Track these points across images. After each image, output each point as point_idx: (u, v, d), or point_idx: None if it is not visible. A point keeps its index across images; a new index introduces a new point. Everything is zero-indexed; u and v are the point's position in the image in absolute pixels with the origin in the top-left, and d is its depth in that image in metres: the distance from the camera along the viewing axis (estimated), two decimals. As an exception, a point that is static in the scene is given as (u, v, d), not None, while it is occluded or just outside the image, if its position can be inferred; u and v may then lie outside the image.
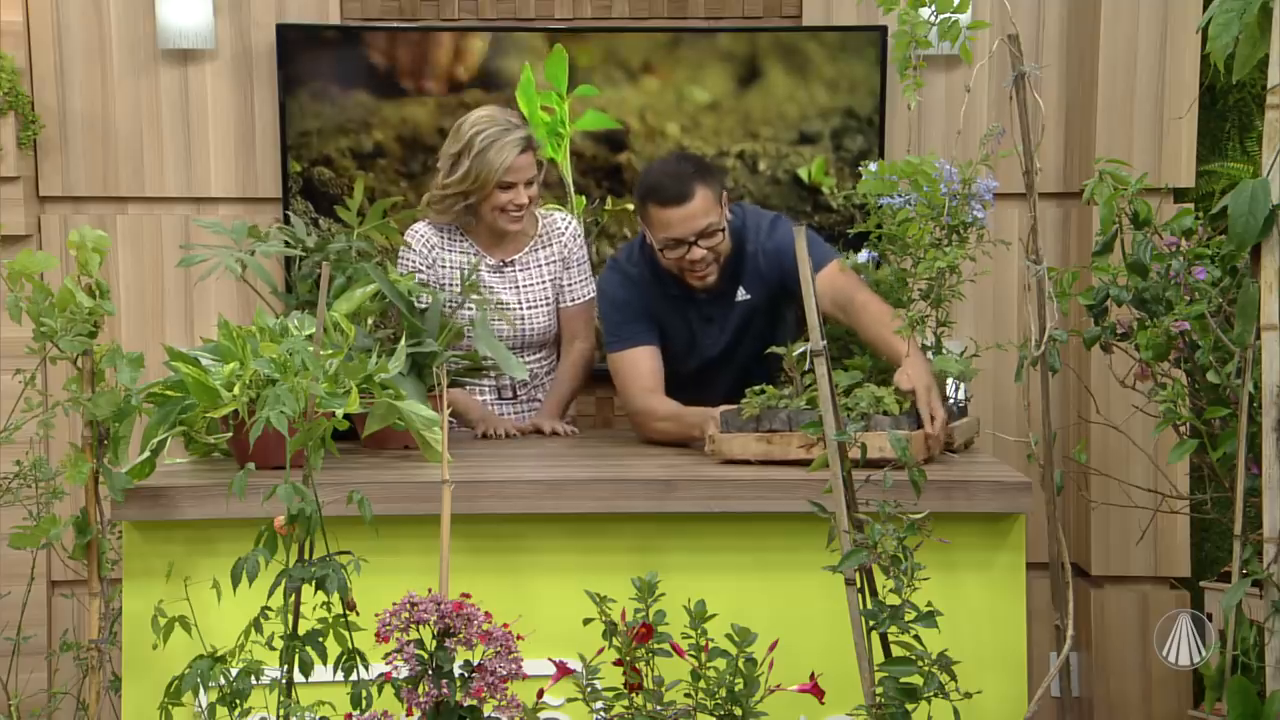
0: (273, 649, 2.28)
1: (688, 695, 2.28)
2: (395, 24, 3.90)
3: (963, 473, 2.65)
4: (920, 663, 2.10)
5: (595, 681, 2.28)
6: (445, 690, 2.11)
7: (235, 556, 2.23)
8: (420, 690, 2.11)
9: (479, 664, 2.14)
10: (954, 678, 2.11)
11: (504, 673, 2.13)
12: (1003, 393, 3.66)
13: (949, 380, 2.90)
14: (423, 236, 3.35)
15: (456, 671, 2.13)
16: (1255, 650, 2.35)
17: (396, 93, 3.84)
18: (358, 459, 2.85)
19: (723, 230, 3.08)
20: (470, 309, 3.22)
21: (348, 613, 2.26)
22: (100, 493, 2.69)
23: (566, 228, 3.44)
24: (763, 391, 2.76)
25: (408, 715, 2.14)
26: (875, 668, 2.15)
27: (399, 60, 3.83)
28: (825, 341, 2.11)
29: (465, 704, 2.13)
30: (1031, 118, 2.56)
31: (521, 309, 3.37)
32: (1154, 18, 3.60)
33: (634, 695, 2.27)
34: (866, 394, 2.67)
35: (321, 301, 2.34)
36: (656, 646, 2.26)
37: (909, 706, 2.10)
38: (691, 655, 2.29)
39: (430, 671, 2.12)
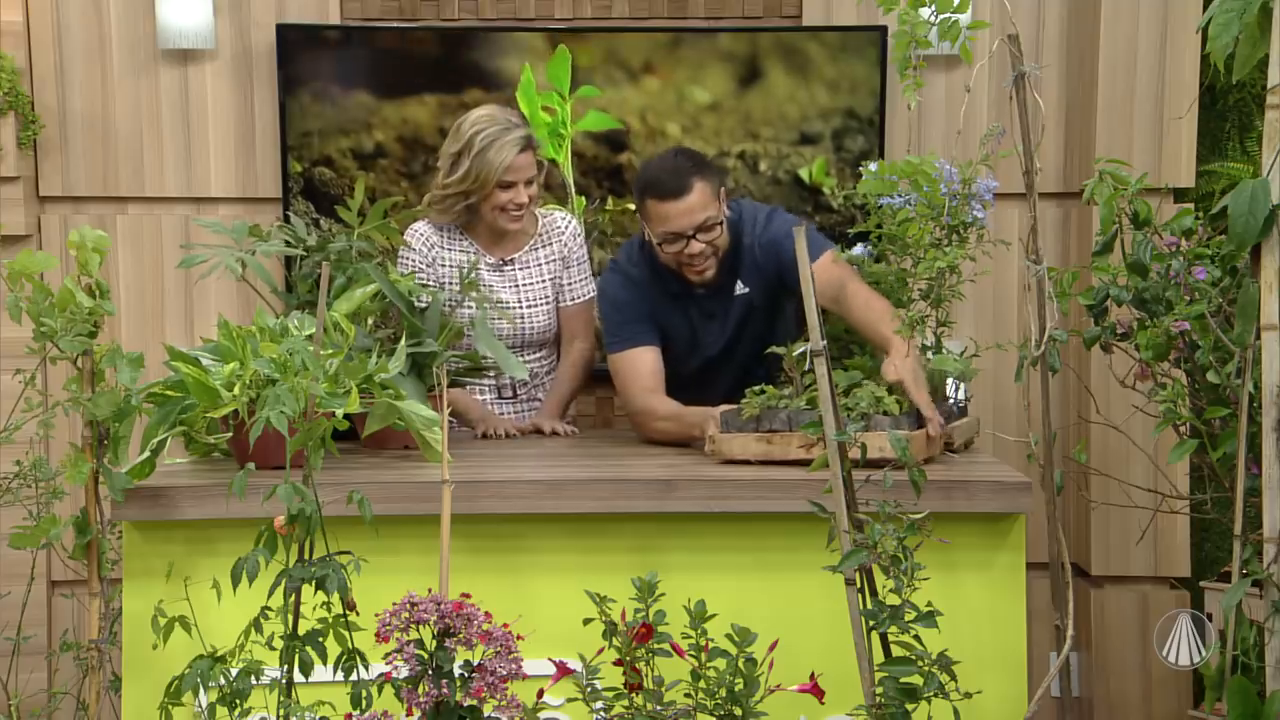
0: (273, 649, 2.28)
1: (688, 695, 2.28)
2: (395, 24, 3.90)
3: (963, 473, 2.65)
4: (920, 663, 2.10)
5: (595, 681, 2.28)
6: (445, 690, 2.11)
7: (235, 556, 2.23)
8: (420, 690, 2.11)
9: (479, 664, 2.14)
10: (954, 678, 2.11)
11: (504, 673, 2.13)
12: (1003, 393, 3.66)
13: (949, 380, 2.90)
14: (422, 235, 3.35)
15: (456, 671, 2.13)
16: (1255, 650, 2.35)
17: (397, 93, 3.84)
18: (358, 459, 2.85)
19: (721, 224, 3.09)
20: (470, 307, 3.22)
21: (348, 613, 2.26)
22: (100, 493, 2.69)
23: (566, 227, 3.45)
24: (763, 392, 2.76)
25: (408, 715, 2.14)
26: (875, 668, 2.15)
27: (399, 60, 3.83)
28: (825, 341, 2.11)
29: (465, 704, 2.13)
30: (1031, 118, 2.56)
31: (521, 308, 3.37)
32: (1154, 18, 3.60)
33: (634, 695, 2.27)
34: (866, 394, 2.67)
35: (321, 301, 2.34)
36: (656, 646, 2.26)
37: (909, 706, 2.10)
38: (691, 655, 2.29)
39: (430, 671, 2.12)
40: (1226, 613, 2.34)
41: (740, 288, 3.18)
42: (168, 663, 2.44)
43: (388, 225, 3.35)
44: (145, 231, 3.88)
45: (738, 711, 2.26)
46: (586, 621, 2.29)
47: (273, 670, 2.30)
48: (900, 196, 2.89)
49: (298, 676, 2.27)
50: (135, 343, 3.73)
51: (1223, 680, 2.37)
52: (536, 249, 3.41)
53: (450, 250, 3.35)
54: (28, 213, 3.82)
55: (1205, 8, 2.91)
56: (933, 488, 2.28)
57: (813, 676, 2.36)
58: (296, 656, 2.25)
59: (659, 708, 2.25)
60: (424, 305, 3.10)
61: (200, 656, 2.30)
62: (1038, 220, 2.58)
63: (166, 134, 3.86)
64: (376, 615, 2.13)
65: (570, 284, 3.43)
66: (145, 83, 3.85)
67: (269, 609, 2.28)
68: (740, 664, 2.26)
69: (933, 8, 2.75)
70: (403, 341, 2.88)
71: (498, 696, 2.13)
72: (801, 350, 2.16)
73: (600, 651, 2.29)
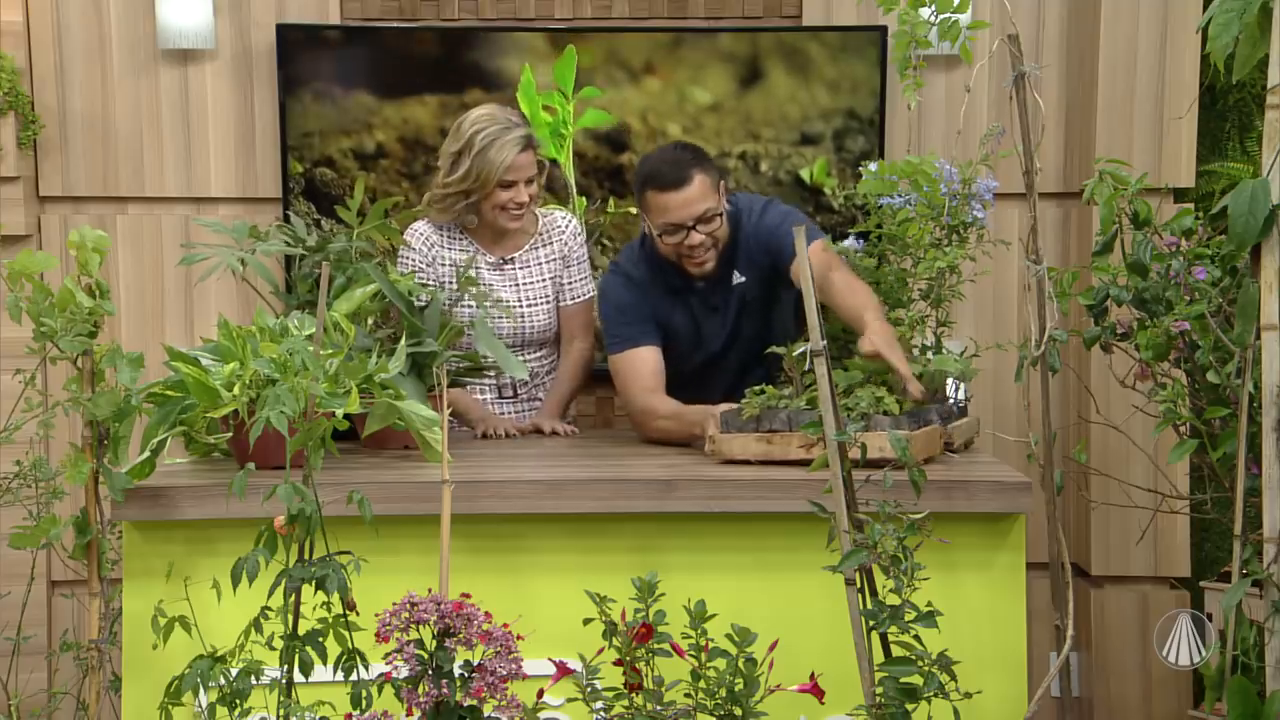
0: (273, 649, 2.28)
1: (688, 695, 2.28)
2: (395, 24, 3.90)
3: (963, 473, 2.65)
4: (920, 663, 2.10)
5: (595, 681, 2.28)
6: (445, 690, 2.11)
7: (235, 556, 2.23)
8: (420, 690, 2.11)
9: (479, 664, 2.14)
10: (954, 678, 2.11)
11: (504, 673, 2.13)
12: (1003, 393, 3.66)
13: (949, 380, 2.90)
14: (422, 235, 3.35)
15: (456, 671, 2.13)
16: (1255, 650, 2.35)
17: (397, 93, 3.84)
18: (358, 459, 2.85)
19: (720, 216, 3.10)
20: (470, 306, 3.22)
21: (348, 613, 2.26)
22: (100, 493, 2.69)
23: (566, 226, 3.45)
24: (763, 391, 2.76)
25: (408, 715, 2.14)
26: (875, 668, 2.15)
27: (400, 60, 3.84)
28: (825, 341, 2.11)
29: (465, 704, 2.13)
30: (1031, 118, 2.56)
31: (521, 307, 3.37)
32: (1154, 18, 3.60)
33: (634, 695, 2.27)
34: (866, 394, 2.67)
35: (321, 301, 2.34)
36: (656, 646, 2.26)
37: (909, 706, 2.10)
38: (691, 655, 2.29)
39: (430, 671, 2.12)
40: (1226, 613, 2.34)
41: (737, 277, 3.19)
42: (168, 663, 2.44)
43: (388, 225, 3.35)
44: (145, 231, 3.88)
45: (738, 711, 2.26)
46: (586, 621, 2.29)
47: (273, 670, 2.30)
48: (900, 196, 2.89)
49: (298, 676, 2.27)
50: (135, 343, 3.73)
51: (1223, 680, 2.37)
52: (537, 248, 3.41)
53: (450, 250, 3.35)
54: (28, 213, 3.82)
55: (1205, 8, 2.92)
56: (933, 488, 2.28)
57: (813, 676, 2.36)
58: (296, 656, 2.25)
59: (659, 708, 2.25)
60: (424, 305, 3.10)
61: (200, 656, 2.30)
62: (1038, 220, 2.59)
63: (166, 134, 3.86)
64: (376, 615, 2.13)
65: (570, 283, 3.43)
66: (145, 83, 3.85)
67: (269, 609, 2.28)
68: (740, 664, 2.26)
69: (933, 8, 2.76)
70: (403, 341, 2.88)
71: (498, 696, 2.13)
72: (801, 350, 2.16)
73: (600, 651, 2.29)
